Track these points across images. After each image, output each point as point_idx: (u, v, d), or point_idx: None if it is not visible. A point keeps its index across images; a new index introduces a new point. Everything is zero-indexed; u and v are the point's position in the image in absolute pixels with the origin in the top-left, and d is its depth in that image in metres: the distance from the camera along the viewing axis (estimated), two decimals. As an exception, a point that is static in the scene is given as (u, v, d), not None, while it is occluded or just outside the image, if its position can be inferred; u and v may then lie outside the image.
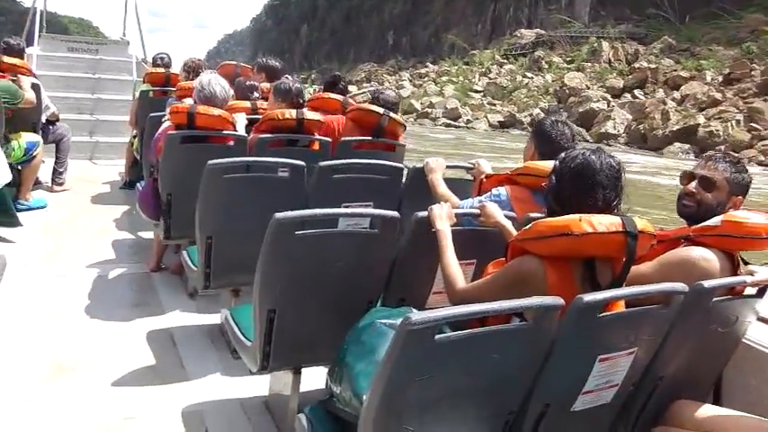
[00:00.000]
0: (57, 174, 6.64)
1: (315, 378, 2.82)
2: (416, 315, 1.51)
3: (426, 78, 48.43)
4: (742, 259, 2.42)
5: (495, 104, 44.76)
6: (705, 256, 2.29)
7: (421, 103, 43.28)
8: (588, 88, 39.92)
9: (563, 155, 2.13)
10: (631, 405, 2.25)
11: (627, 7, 51.04)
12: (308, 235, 2.33)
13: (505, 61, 50.60)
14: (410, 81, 47.55)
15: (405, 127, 4.46)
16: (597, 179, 2.00)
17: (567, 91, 40.39)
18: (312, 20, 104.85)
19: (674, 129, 31.00)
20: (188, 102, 4.43)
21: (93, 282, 4.32)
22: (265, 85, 5.30)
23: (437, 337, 1.55)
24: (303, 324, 2.46)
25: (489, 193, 2.95)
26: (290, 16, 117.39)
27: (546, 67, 47.30)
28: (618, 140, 33.94)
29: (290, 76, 4.96)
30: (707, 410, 2.32)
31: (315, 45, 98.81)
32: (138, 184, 4.98)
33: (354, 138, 4.20)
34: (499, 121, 41.22)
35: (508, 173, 3.08)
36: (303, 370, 2.69)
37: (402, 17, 71.08)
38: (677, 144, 30.30)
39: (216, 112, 3.86)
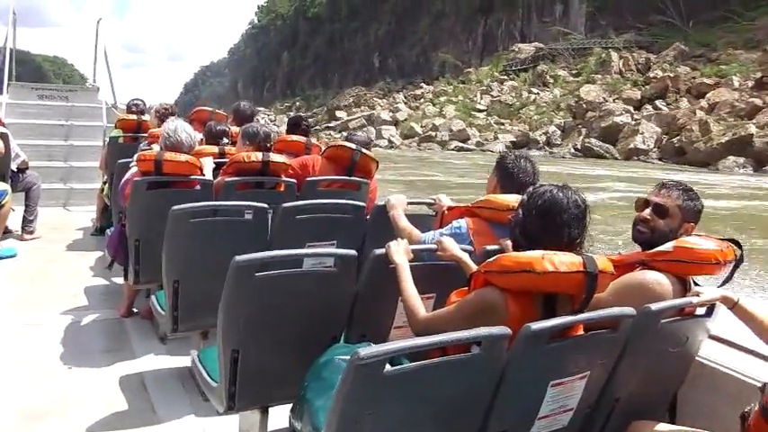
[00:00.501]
0: (26, 222, 6.62)
1: (283, 416, 2.85)
2: (365, 350, 1.57)
3: (422, 99, 47.20)
4: (694, 282, 2.51)
5: (503, 123, 43.20)
6: (659, 280, 2.37)
7: (422, 126, 41.67)
8: (606, 101, 38.13)
9: (531, 190, 2.21)
10: (589, 428, 2.29)
11: (627, 15, 48.97)
12: (268, 276, 2.39)
13: (506, 77, 48.89)
14: (405, 103, 46.25)
15: (377, 163, 4.55)
16: (563, 217, 2.07)
17: (584, 105, 38.46)
18: (293, 46, 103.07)
19: (723, 141, 29.30)
20: (156, 148, 4.49)
21: (64, 329, 4.32)
22: (235, 129, 5.39)
23: (386, 370, 1.61)
24: (267, 363, 2.49)
25: (450, 226, 3.02)
26: (269, 44, 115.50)
27: (551, 81, 45.52)
28: (650, 156, 32.50)
29: (259, 120, 5.04)
30: (666, 429, 2.38)
31: (297, 71, 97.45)
32: (107, 231, 5.02)
33: (319, 178, 4.28)
34: (512, 142, 39.57)
35: (469, 205, 3.18)
36: (271, 409, 2.73)
37: (387, 38, 70.18)
38: (731, 158, 28.58)
39: (183, 157, 3.93)
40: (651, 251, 2.48)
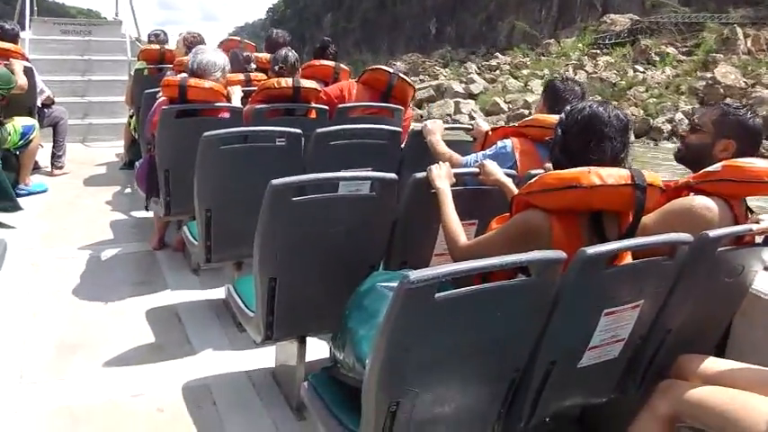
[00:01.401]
0: (55, 157, 6.60)
1: (321, 346, 2.81)
2: (415, 274, 1.47)
3: (498, 71, 40.56)
4: (749, 209, 2.38)
5: (608, 104, 38.42)
6: (707, 205, 2.24)
7: (508, 103, 34.69)
8: (750, 86, 31.03)
9: (569, 107, 2.10)
10: (639, 359, 2.23)
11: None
12: (306, 201, 2.31)
13: (597, 52, 41.66)
14: (479, 74, 40.10)
15: (414, 89, 4.41)
16: (605, 131, 1.97)
17: (720, 90, 31.40)
18: (337, 8, 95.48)
19: None
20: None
21: (96, 262, 4.32)
22: (264, 56, 5.26)
23: (437, 295, 1.52)
24: (305, 292, 2.43)
25: (495, 146, 2.96)
26: (311, 4, 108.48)
27: (656, 59, 38.52)
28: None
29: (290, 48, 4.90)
30: (714, 363, 2.29)
31: (341, 35, 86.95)
32: (136, 163, 4.96)
33: (351, 104, 4.16)
34: (628, 130, 34.69)
35: (515, 125, 3.11)
36: (309, 339, 2.68)
37: (447, 4, 63.12)
38: None
39: (207, 84, 3.79)
40: (698, 173, 2.35)
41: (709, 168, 2.30)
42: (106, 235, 4.85)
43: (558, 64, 38.63)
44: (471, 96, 34.83)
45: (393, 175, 2.43)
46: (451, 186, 2.38)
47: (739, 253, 2.30)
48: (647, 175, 1.92)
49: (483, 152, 2.95)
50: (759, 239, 2.34)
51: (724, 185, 2.27)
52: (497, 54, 45.85)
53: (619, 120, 1.99)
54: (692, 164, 2.44)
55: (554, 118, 2.65)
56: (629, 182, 1.87)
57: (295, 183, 2.26)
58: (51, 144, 6.64)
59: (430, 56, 55.07)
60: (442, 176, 2.37)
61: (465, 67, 43.50)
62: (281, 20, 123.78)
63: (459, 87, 35.60)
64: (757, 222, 2.25)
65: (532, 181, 1.97)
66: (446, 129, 3.50)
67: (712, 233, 2.08)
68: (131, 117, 6.62)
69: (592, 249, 1.73)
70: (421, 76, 42.32)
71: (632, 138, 2.11)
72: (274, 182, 2.23)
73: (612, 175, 1.86)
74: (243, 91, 4.40)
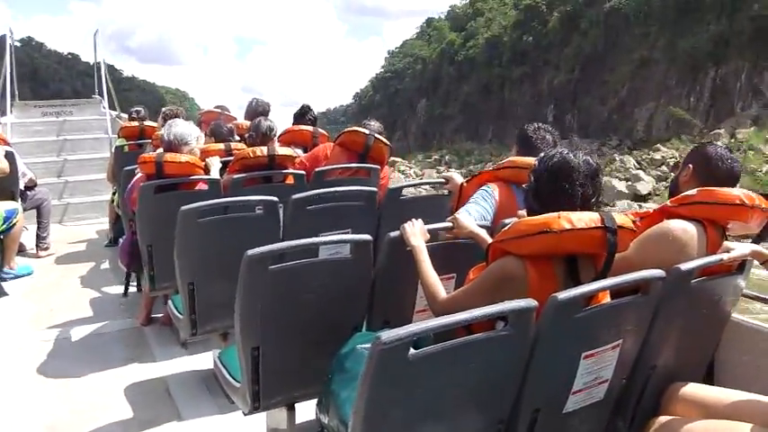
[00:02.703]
0: (40, 239, 6.60)
1: (310, 411, 2.79)
2: (387, 334, 1.50)
3: (663, 166, 34.07)
4: (725, 236, 2.43)
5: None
6: (683, 227, 2.31)
7: None
8: None
9: (542, 155, 2.15)
10: (626, 399, 2.23)
11: None
12: (283, 268, 2.32)
13: None
14: (642, 169, 34.00)
15: (391, 149, 4.47)
16: (574, 177, 2.02)
17: None
18: (433, 93, 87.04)
19: None
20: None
21: (84, 342, 4.30)
22: (245, 123, 5.35)
23: (411, 353, 1.54)
24: (289, 358, 2.43)
25: (481, 190, 3.01)
26: (403, 90, 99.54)
27: None
28: None
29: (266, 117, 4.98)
30: (705, 392, 2.31)
31: (437, 121, 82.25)
32: (121, 240, 4.98)
33: (327, 167, 4.21)
34: None
35: (490, 170, 3.17)
36: (298, 404, 2.67)
37: (566, 89, 56.10)
38: None
39: (183, 158, 3.86)
40: (676, 197, 2.44)
41: (686, 192, 2.40)
42: (93, 313, 4.83)
43: (752, 159, 29.19)
44: (639, 198, 28.76)
45: (368, 237, 2.46)
46: (427, 242, 2.41)
47: (715, 283, 2.34)
48: (618, 218, 1.96)
49: (472, 198, 2.99)
50: (734, 267, 2.39)
51: (699, 208, 2.34)
52: (659, 146, 37.99)
53: (588, 165, 2.04)
54: (673, 193, 2.54)
55: (529, 159, 2.72)
56: (600, 225, 1.91)
57: (270, 252, 2.28)
58: (36, 226, 6.65)
59: (550, 145, 49.59)
60: (416, 234, 2.39)
61: (621, 160, 37.04)
62: (370, 105, 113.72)
63: (620, 186, 30.27)
64: (728, 251, 2.30)
65: (506, 228, 2.01)
66: (419, 184, 3.56)
67: (684, 266, 2.12)
68: (114, 194, 6.66)
69: (563, 294, 1.76)
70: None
71: (603, 181, 2.16)
72: (249, 252, 2.24)
73: (582, 219, 1.90)
74: (222, 161, 4.46)
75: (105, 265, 6.18)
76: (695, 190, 2.37)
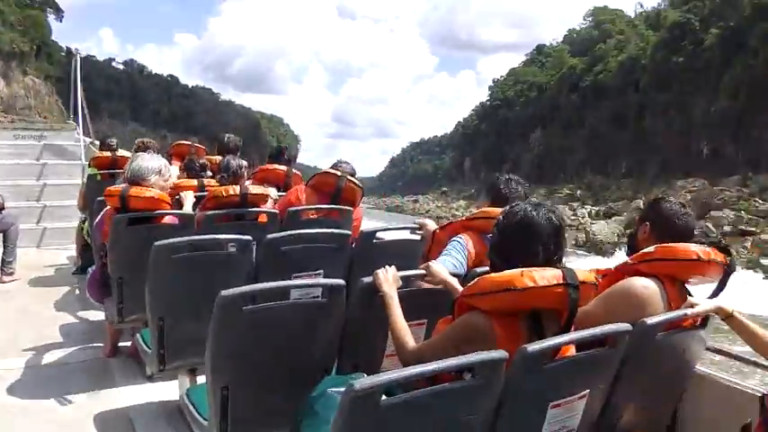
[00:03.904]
0: (5, 263, 6.51)
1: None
2: (359, 381, 1.52)
3: None
4: (688, 293, 2.50)
5: None
6: (644, 285, 2.37)
7: None
8: None
9: (506, 209, 2.19)
10: None
11: None
12: (256, 309, 2.34)
13: None
14: None
15: (362, 190, 4.51)
16: (536, 234, 2.06)
17: None
18: (550, 122, 78.62)
19: None
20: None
21: (47, 372, 4.23)
22: (217, 158, 5.38)
23: (383, 401, 1.57)
24: (258, 399, 2.43)
25: (453, 242, 3.05)
26: (514, 119, 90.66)
27: None
28: None
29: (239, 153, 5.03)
30: None
31: (555, 153, 73.80)
32: (89, 269, 4.93)
33: (301, 207, 4.24)
34: None
35: (462, 219, 3.21)
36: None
37: (727, 116, 47.68)
38: None
39: (149, 193, 3.85)
40: (636, 254, 2.50)
41: (646, 249, 2.46)
42: (58, 343, 4.75)
43: None
44: None
45: (341, 282, 2.49)
46: (399, 288, 2.44)
47: (679, 337, 2.41)
48: (580, 273, 2.00)
49: (447, 250, 3.02)
50: (697, 321, 2.46)
51: (658, 265, 2.41)
52: None
53: (551, 223, 2.08)
54: (632, 250, 2.60)
55: (500, 210, 2.77)
56: (561, 281, 1.95)
57: (244, 293, 2.30)
58: (1, 250, 6.56)
59: (715, 182, 41.16)
60: (388, 281, 2.41)
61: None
62: (474, 135, 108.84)
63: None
64: (692, 306, 2.37)
65: (471, 284, 2.04)
66: (392, 229, 3.61)
67: (650, 321, 2.19)
68: (83, 222, 6.61)
69: (531, 346, 1.80)
70: (727, 211, 30.80)
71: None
72: (223, 293, 2.25)
73: (545, 276, 1.94)
74: (196, 196, 4.47)
75: (72, 293, 6.10)
76: (653, 247, 2.44)
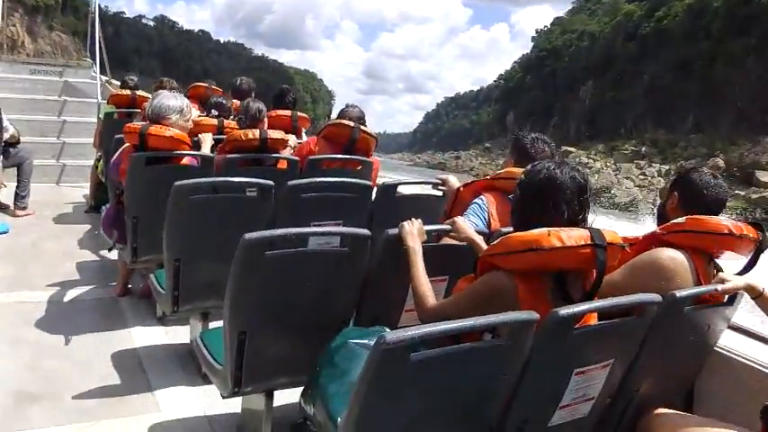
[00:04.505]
0: (19, 198, 6.50)
1: (287, 399, 2.78)
2: (391, 334, 1.48)
3: None
4: (717, 266, 2.45)
5: None
6: (672, 256, 2.32)
7: None
8: None
9: (528, 168, 2.12)
10: (609, 417, 2.25)
11: None
12: (279, 255, 2.29)
13: None
14: None
15: (377, 140, 4.44)
16: (560, 194, 1.99)
17: None
18: (602, 74, 72.06)
19: None
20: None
21: (59, 308, 4.23)
22: (235, 102, 5.31)
23: (413, 355, 1.53)
24: (275, 346, 2.41)
25: (474, 204, 3.00)
26: (562, 70, 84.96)
27: None
28: None
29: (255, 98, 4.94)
30: (681, 419, 2.34)
31: (608, 106, 67.57)
32: (103, 207, 4.91)
33: (322, 156, 4.17)
34: None
35: (487, 178, 3.14)
36: (276, 392, 2.65)
37: None
38: None
39: (168, 132, 3.78)
40: (665, 224, 2.45)
41: (675, 220, 2.41)
42: (69, 280, 4.75)
43: None
44: None
45: (366, 232, 2.44)
46: (423, 243, 2.39)
47: (705, 312, 2.36)
48: (607, 234, 1.94)
49: (466, 213, 2.95)
50: (724, 298, 2.41)
51: (687, 237, 2.36)
52: None
53: (575, 182, 2.01)
54: (661, 219, 2.54)
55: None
56: (589, 242, 1.89)
57: (269, 237, 2.25)
58: (15, 184, 6.54)
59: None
60: (414, 234, 2.37)
61: None
62: (518, 88, 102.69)
63: None
64: (722, 282, 2.31)
65: (495, 243, 1.99)
66: (414, 183, 3.55)
67: (679, 293, 2.14)
68: (98, 160, 6.57)
69: (563, 310, 1.75)
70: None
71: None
72: (248, 236, 2.21)
73: (572, 236, 1.88)
74: (214, 138, 4.41)
75: (84, 230, 6.08)
76: (683, 218, 2.38)
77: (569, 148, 59.42)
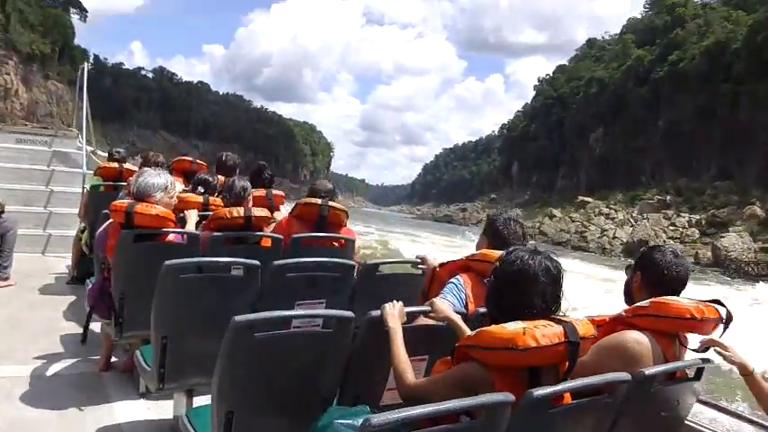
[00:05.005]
0: (1, 268, 6.51)
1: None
2: (376, 418, 1.57)
3: None
4: (682, 344, 2.56)
5: None
6: (638, 339, 2.40)
7: None
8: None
9: (503, 256, 2.22)
10: None
11: None
12: (266, 337, 2.37)
13: None
14: None
15: (347, 213, 4.56)
16: (533, 286, 2.07)
17: None
18: (613, 120, 69.44)
19: None
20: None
21: (40, 383, 4.22)
22: (219, 178, 5.43)
23: None
24: (261, 425, 2.47)
25: (451, 283, 3.06)
26: (571, 118, 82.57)
27: None
28: None
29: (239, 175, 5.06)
30: None
31: (621, 153, 65.32)
32: (88, 281, 4.95)
33: (305, 234, 4.29)
34: None
35: (463, 259, 3.19)
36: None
37: None
38: None
39: (154, 210, 3.87)
40: (630, 307, 2.54)
41: (640, 303, 2.50)
42: (51, 353, 4.75)
43: None
44: None
45: (349, 314, 2.54)
46: (404, 323, 2.49)
47: (675, 388, 2.46)
48: (580, 328, 2.02)
49: (444, 293, 3.03)
50: (691, 373, 2.52)
51: (651, 320, 2.44)
52: None
53: (548, 272, 2.09)
54: (627, 299, 2.67)
55: (500, 253, 2.82)
56: (563, 339, 1.96)
57: (258, 320, 2.34)
58: (-2, 254, 6.56)
59: None
60: (395, 316, 2.47)
61: None
62: (522, 137, 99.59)
63: None
64: (726, 349, 2.43)
65: (472, 335, 2.07)
66: (393, 262, 3.68)
67: (648, 371, 2.24)
68: (82, 231, 6.62)
69: (538, 391, 1.84)
70: None
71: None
72: (238, 318, 2.29)
73: (547, 335, 1.94)
74: (199, 215, 4.52)
75: (66, 302, 6.08)
76: (648, 301, 2.47)
77: (586, 198, 58.04)
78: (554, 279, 2.10)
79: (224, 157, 6.23)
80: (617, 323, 2.52)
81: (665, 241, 39.97)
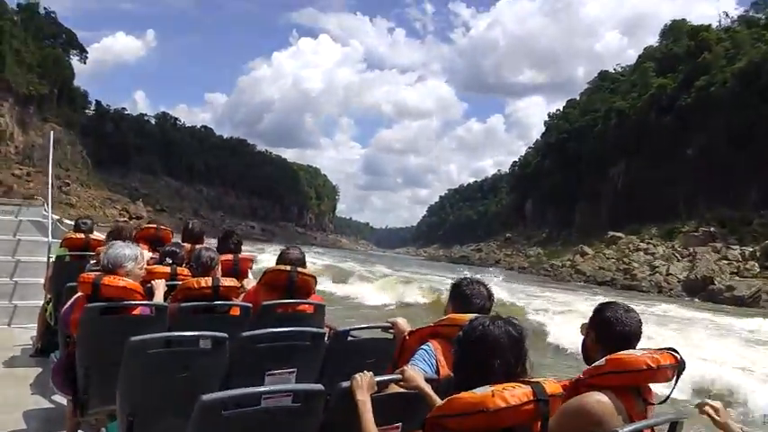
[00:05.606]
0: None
1: None
2: None
3: None
4: (645, 400, 2.55)
5: None
6: (599, 399, 2.41)
7: None
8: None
9: (467, 323, 2.27)
10: None
11: None
12: (235, 414, 2.34)
13: None
14: None
15: (315, 279, 4.55)
16: (494, 351, 2.13)
17: None
18: (635, 152, 66.34)
19: None
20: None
21: None
22: (185, 246, 5.39)
23: None
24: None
25: (421, 350, 3.04)
26: (587, 151, 79.62)
27: None
28: None
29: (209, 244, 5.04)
30: None
31: (645, 186, 61.93)
32: (52, 355, 4.84)
33: (274, 302, 4.26)
34: None
35: (431, 325, 3.19)
36: None
37: None
38: None
39: (122, 282, 3.85)
40: (587, 368, 2.57)
41: (596, 363, 2.52)
42: (14, 431, 4.61)
43: None
44: None
45: (319, 387, 2.52)
46: (375, 394, 2.48)
47: None
48: (548, 386, 2.05)
49: (414, 360, 3.00)
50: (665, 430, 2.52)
51: (610, 378, 2.46)
52: None
53: (509, 336, 2.15)
54: (585, 358, 2.71)
55: (467, 317, 2.82)
56: (532, 398, 1.99)
57: (225, 398, 2.31)
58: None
59: None
60: (363, 388, 2.46)
61: None
62: (536, 173, 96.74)
63: None
64: (716, 410, 2.48)
65: (442, 404, 2.08)
66: (363, 328, 3.68)
67: (621, 430, 2.24)
68: (48, 303, 6.49)
69: None
70: None
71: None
72: (204, 398, 2.26)
73: (516, 395, 1.97)
74: (167, 285, 4.47)
75: (31, 376, 5.91)
76: (603, 360, 2.49)
77: (617, 234, 55.86)
78: (515, 343, 2.15)
79: (190, 225, 6.23)
80: (579, 385, 2.53)
81: (729, 277, 38.36)
